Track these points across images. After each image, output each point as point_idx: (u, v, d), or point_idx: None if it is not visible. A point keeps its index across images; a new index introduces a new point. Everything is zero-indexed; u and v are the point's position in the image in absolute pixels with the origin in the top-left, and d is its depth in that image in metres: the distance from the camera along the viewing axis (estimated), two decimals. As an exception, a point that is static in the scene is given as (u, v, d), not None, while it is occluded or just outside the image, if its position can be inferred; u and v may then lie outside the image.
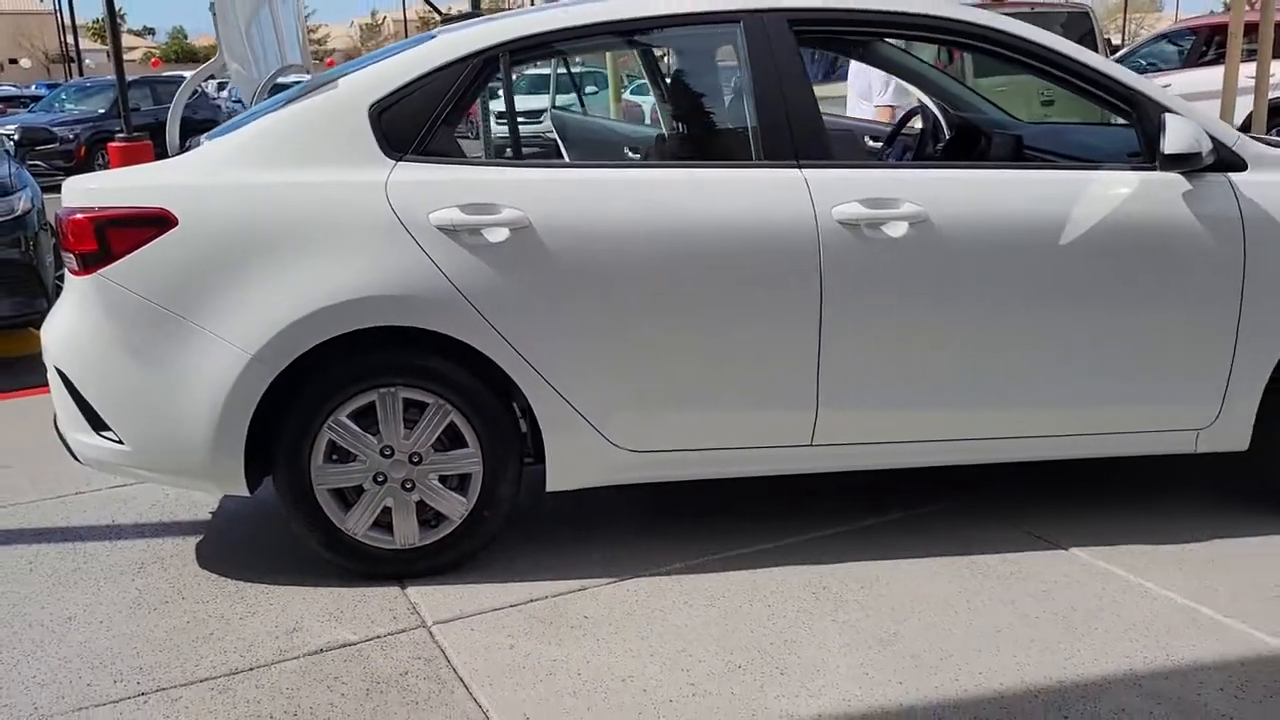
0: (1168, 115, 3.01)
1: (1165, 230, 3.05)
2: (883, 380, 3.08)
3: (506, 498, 3.11)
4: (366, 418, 3.00)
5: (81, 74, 36.04)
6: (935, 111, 4.29)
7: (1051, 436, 3.21)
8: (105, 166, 14.59)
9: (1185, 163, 3.01)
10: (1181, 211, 3.05)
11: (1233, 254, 3.07)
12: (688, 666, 2.65)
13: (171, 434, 2.96)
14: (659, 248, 2.95)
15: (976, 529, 3.34)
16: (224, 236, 2.88)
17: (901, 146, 4.39)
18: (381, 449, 3.02)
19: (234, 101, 22.60)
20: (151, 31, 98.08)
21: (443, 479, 3.07)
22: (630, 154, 4.68)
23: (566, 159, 5.10)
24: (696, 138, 3.98)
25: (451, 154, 3.06)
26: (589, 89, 18.14)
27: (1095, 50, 9.12)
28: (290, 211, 2.89)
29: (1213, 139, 3.05)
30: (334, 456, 3.02)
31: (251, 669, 2.71)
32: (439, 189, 2.93)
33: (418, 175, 2.95)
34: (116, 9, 13.29)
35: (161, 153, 3.52)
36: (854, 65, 6.34)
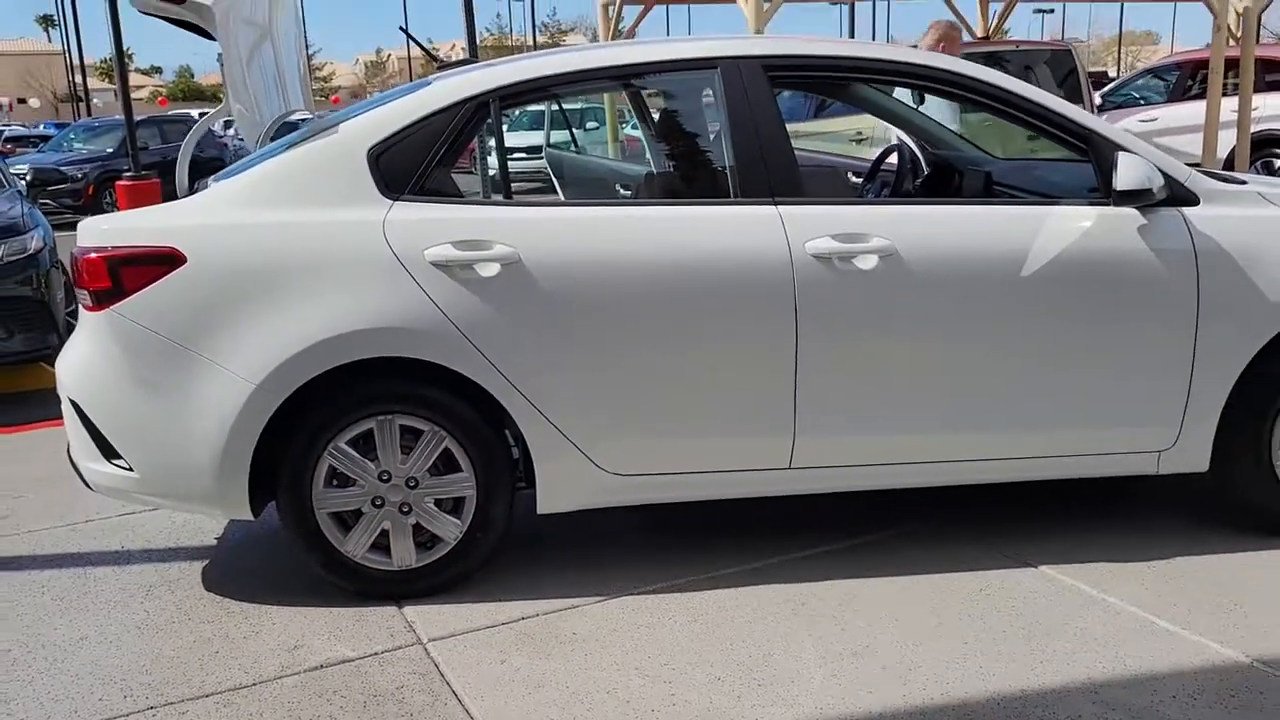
0: (1120, 154, 3.19)
1: (1122, 262, 3.22)
2: (856, 406, 3.24)
3: (499, 520, 3.25)
4: (365, 444, 3.16)
5: (90, 113, 36.48)
6: (914, 149, 4.48)
7: (1020, 459, 3.36)
8: (113, 205, 14.85)
9: (1138, 198, 3.18)
10: (1137, 244, 3.22)
11: (1187, 284, 3.23)
12: (669, 679, 2.78)
13: (179, 461, 3.12)
14: (643, 281, 3.11)
15: (950, 549, 3.48)
16: (231, 273, 3.05)
17: (880, 182, 4.57)
18: (380, 474, 3.17)
19: (239, 140, 22.91)
20: (159, 70, 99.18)
21: (438, 502, 3.22)
22: (621, 190, 4.87)
23: (561, 196, 5.28)
24: (680, 176, 4.17)
25: (446, 193, 3.24)
26: (590, 124, 18.47)
27: (1079, 87, 9.37)
28: (293, 249, 3.06)
29: (1165, 175, 3.23)
30: (334, 481, 3.17)
31: (255, 684, 2.85)
32: (434, 227, 3.10)
33: (414, 214, 3.12)
34: (124, 49, 13.59)
35: (170, 191, 3.70)
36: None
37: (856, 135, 8.68)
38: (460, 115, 3.23)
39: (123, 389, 3.12)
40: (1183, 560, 3.33)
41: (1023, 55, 8.81)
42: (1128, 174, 3.14)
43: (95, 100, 48.23)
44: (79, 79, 41.97)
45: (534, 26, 59.30)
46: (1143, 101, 12.26)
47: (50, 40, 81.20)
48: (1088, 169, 3.37)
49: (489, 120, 3.30)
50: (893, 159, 4.51)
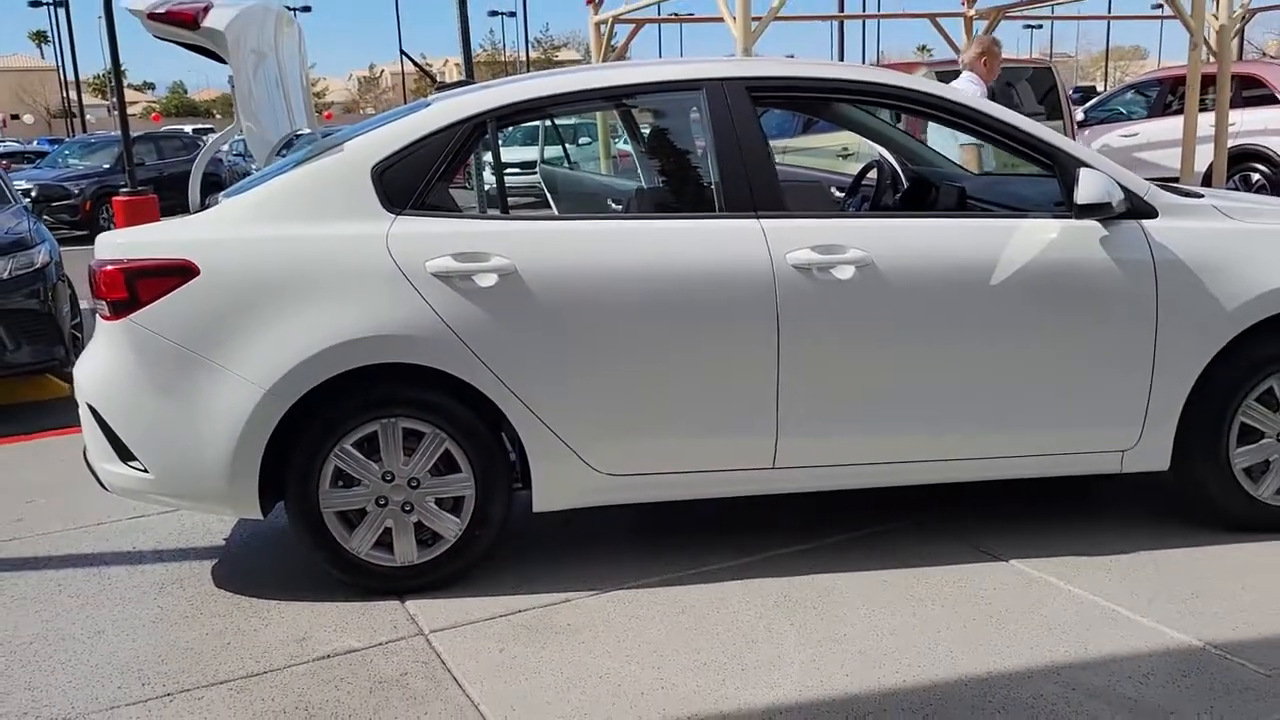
0: (1082, 169, 3.38)
1: (1085, 271, 3.41)
2: (836, 409, 3.41)
3: (497, 518, 3.42)
4: (369, 446, 3.33)
5: (85, 129, 36.62)
6: (894, 164, 4.67)
7: (992, 459, 3.54)
8: (110, 221, 14.99)
9: (1099, 211, 3.37)
10: (1099, 255, 3.41)
11: (1146, 292, 3.42)
12: (658, 665, 2.95)
13: (192, 462, 3.28)
14: (632, 291, 3.29)
15: (928, 545, 3.66)
16: (241, 284, 3.22)
17: (861, 197, 4.76)
18: (383, 474, 3.34)
19: (235, 155, 23.12)
20: (152, 86, 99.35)
21: (439, 501, 3.39)
22: (613, 205, 5.05)
23: (555, 210, 5.47)
24: (668, 191, 4.36)
25: (446, 208, 3.42)
26: (583, 140, 18.69)
27: (1059, 103, 9.59)
28: (301, 261, 3.24)
29: (1125, 190, 3.42)
30: (340, 482, 3.34)
31: (265, 672, 3.01)
32: (434, 240, 3.28)
33: (415, 228, 3.30)
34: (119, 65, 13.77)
35: (166, 206, 3.87)
36: None
37: (843, 151, 8.89)
38: (459, 134, 3.41)
39: (138, 394, 3.29)
40: (1145, 554, 3.51)
41: (1005, 72, 9.02)
42: (1088, 188, 3.33)
43: (89, 116, 48.40)
44: (73, 95, 42.13)
45: (527, 43, 59.65)
46: (1127, 116, 12.50)
47: (44, 56, 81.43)
48: (1055, 184, 3.55)
49: (486, 139, 3.48)
50: (873, 174, 4.71)
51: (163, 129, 25.34)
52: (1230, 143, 9.95)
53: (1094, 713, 2.63)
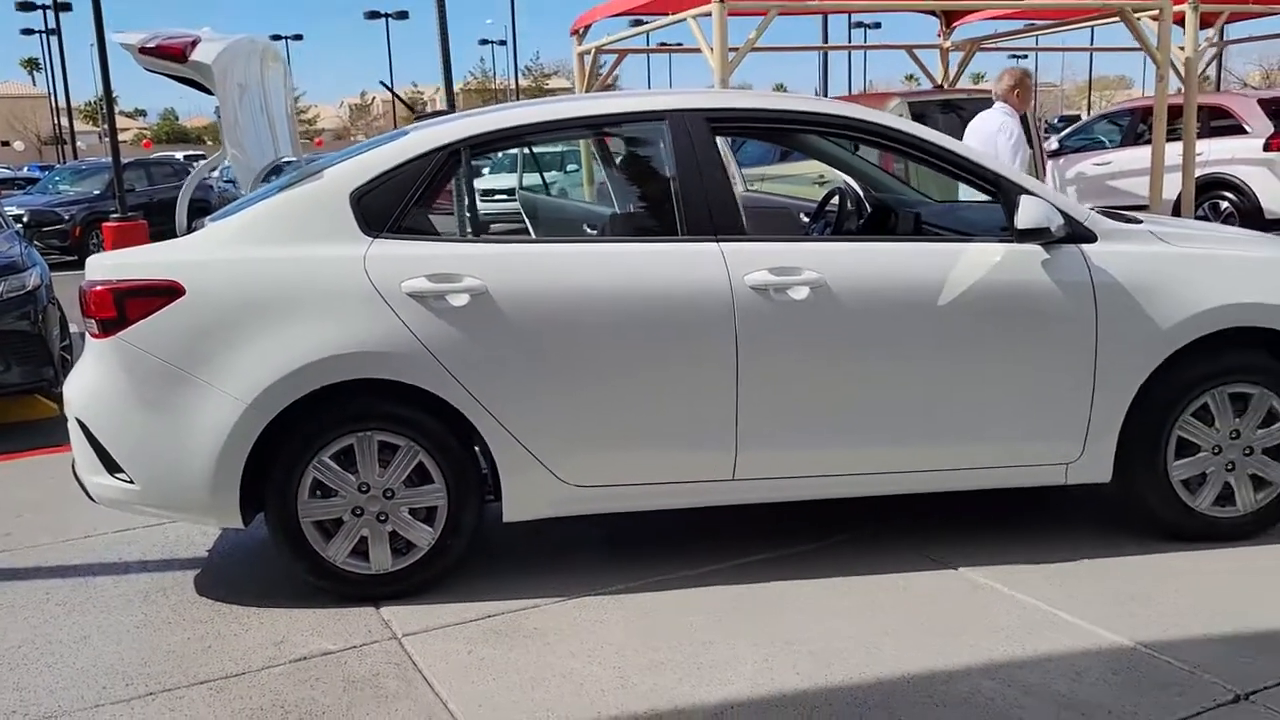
0: (1022, 196, 3.57)
1: (1027, 293, 3.59)
2: (792, 423, 3.58)
3: (468, 527, 3.58)
4: (346, 458, 3.48)
5: (75, 155, 36.83)
6: (857, 191, 4.86)
7: (942, 470, 3.70)
8: (100, 246, 15.15)
9: (1038, 236, 3.56)
10: (1041, 277, 3.60)
11: (1086, 313, 3.60)
12: (619, 665, 3.10)
13: (176, 474, 3.43)
14: (599, 311, 3.46)
15: (882, 554, 3.82)
16: (225, 303, 3.39)
17: (824, 222, 4.95)
18: (359, 485, 3.49)
19: (226, 182, 23.28)
20: (143, 113, 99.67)
21: (412, 511, 3.54)
22: (589, 230, 5.24)
23: (533, 235, 5.65)
24: (636, 216, 4.54)
25: (421, 231, 3.59)
26: (570, 167, 18.94)
27: (1029, 131, 9.82)
28: (282, 281, 3.40)
29: (1065, 215, 3.61)
30: (318, 492, 3.49)
31: (244, 674, 3.15)
32: (410, 262, 3.45)
33: (392, 250, 3.47)
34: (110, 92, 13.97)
35: (156, 232, 4.04)
36: (974, 130, 6.66)
37: (819, 178, 9.10)
38: (434, 161, 3.59)
39: (125, 408, 3.44)
40: (1088, 561, 3.68)
41: (977, 103, 9.25)
42: (1028, 214, 3.52)
43: (80, 143, 48.60)
44: (64, 121, 42.36)
45: (517, 71, 60.17)
46: (1101, 145, 12.78)
47: (35, 84, 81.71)
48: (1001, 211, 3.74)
49: (460, 166, 3.66)
50: (836, 200, 4.90)
51: (153, 155, 25.56)
52: (1199, 172, 10.21)
53: (1027, 707, 2.79)
